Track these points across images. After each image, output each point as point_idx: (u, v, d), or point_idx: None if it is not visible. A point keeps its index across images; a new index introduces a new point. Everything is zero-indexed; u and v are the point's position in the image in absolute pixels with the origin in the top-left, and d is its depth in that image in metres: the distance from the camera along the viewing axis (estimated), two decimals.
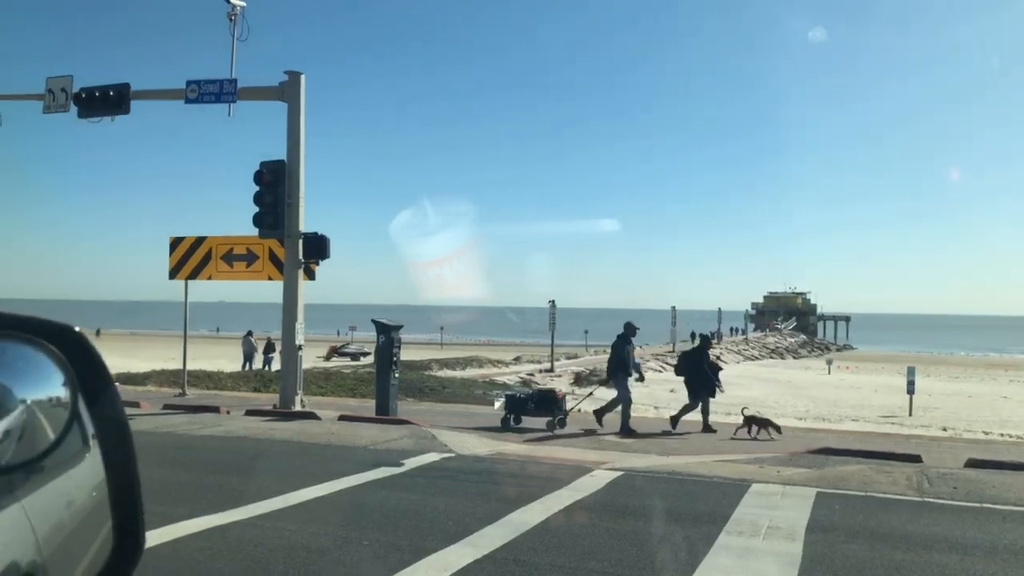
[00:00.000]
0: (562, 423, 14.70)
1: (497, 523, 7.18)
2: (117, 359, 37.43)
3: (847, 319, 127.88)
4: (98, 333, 72.90)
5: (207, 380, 24.23)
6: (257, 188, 15.66)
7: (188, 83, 16.85)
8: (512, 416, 14.75)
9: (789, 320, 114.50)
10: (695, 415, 15.26)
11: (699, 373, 15.20)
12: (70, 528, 1.82)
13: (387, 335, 15.24)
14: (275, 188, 15.59)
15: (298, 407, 15.84)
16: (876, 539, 7.01)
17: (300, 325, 16.13)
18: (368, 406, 17.76)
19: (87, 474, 1.83)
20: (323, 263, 16.43)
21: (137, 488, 1.73)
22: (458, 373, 41.51)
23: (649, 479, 9.54)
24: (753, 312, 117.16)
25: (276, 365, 36.11)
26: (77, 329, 1.68)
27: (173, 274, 19.09)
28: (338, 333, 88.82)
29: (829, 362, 62.40)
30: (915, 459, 11.39)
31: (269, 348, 35.21)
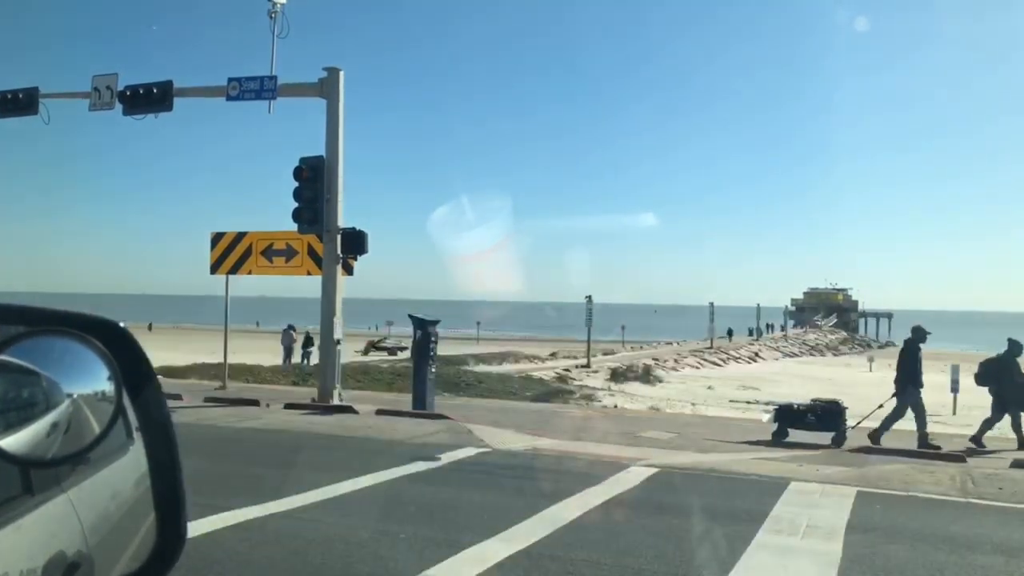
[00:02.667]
0: (843, 439, 12.80)
1: (533, 518, 7.19)
2: (161, 352, 38.08)
3: (889, 316, 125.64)
4: (150, 328, 73.97)
5: (247, 374, 24.56)
6: (296, 184, 15.80)
7: (229, 80, 17.07)
8: (784, 429, 13.10)
9: (829, 317, 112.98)
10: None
11: (1013, 384, 13.52)
12: (115, 519, 1.87)
13: (424, 330, 15.32)
14: (314, 184, 15.72)
15: (336, 401, 15.97)
16: (918, 540, 6.90)
17: (338, 320, 16.26)
18: (405, 400, 17.86)
19: (131, 467, 1.87)
20: (360, 258, 16.54)
21: (179, 480, 1.74)
22: (494, 368, 41.50)
23: (687, 476, 9.49)
24: (793, 309, 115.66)
25: (315, 359, 36.53)
26: (121, 324, 1.70)
27: (214, 269, 19.35)
28: (376, 328, 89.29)
29: (871, 360, 61.36)
30: (959, 459, 11.20)
31: (308, 342, 35.51)
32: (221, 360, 29.81)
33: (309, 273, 18.44)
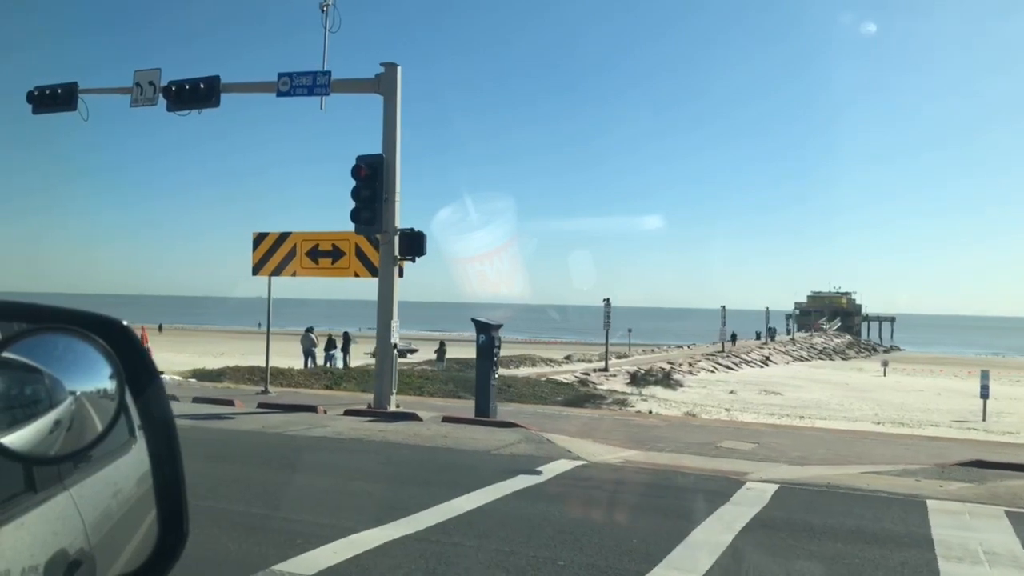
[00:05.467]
0: None
1: (685, 542, 6.69)
2: (167, 354, 37.51)
3: (892, 320, 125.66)
4: (160, 329, 73.25)
5: (280, 377, 24.00)
6: (354, 183, 15.27)
7: (280, 75, 16.57)
8: None
9: (834, 320, 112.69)
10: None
11: None
12: (117, 516, 1.88)
13: (487, 334, 14.81)
14: (372, 183, 15.19)
15: (392, 407, 15.49)
16: None
17: (395, 323, 15.77)
18: (458, 406, 17.42)
19: (133, 464, 1.90)
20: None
21: (181, 478, 1.73)
22: (513, 371, 41.04)
23: (811, 493, 8.97)
24: (797, 312, 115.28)
25: (339, 362, 36.01)
26: (124, 323, 1.70)
27: (256, 270, 18.81)
28: (358, 330, 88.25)
29: (885, 364, 61.06)
30: None
31: (330, 345, 34.98)
32: (239, 363, 29.49)
33: (356, 275, 17.94)
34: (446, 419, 14.06)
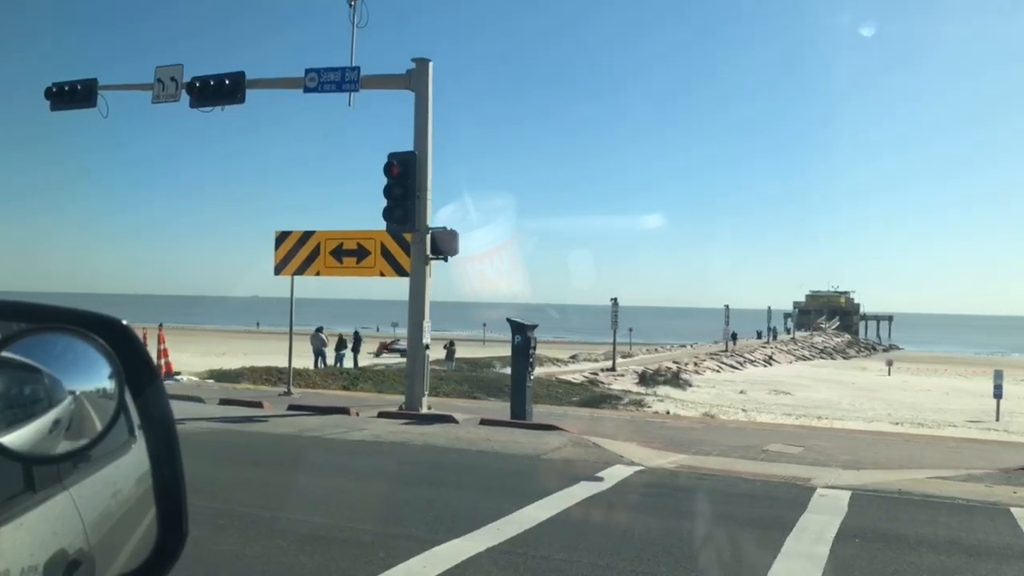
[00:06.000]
0: None
1: (783, 555, 6.41)
2: (173, 354, 37.03)
3: (889, 319, 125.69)
4: (160, 327, 72.49)
5: (297, 378, 23.61)
6: (386, 180, 14.95)
7: (307, 71, 16.25)
8: None
9: (832, 320, 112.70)
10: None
11: None
12: (116, 516, 1.87)
13: (523, 335, 14.52)
14: (405, 180, 14.88)
15: (424, 409, 15.20)
16: None
17: (427, 324, 15.47)
18: (485, 407, 17.16)
19: (132, 464, 1.89)
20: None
21: (181, 478, 1.72)
22: None
23: (888, 500, 8.69)
24: (796, 311, 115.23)
25: (348, 362, 35.71)
26: (123, 322, 1.69)
27: (279, 270, 18.47)
28: (378, 329, 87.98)
29: (889, 363, 60.96)
30: None
31: (341, 345, 34.68)
32: (243, 363, 29.17)
33: (382, 274, 17.62)
34: (483, 422, 13.76)
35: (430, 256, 15.37)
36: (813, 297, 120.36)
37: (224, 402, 15.57)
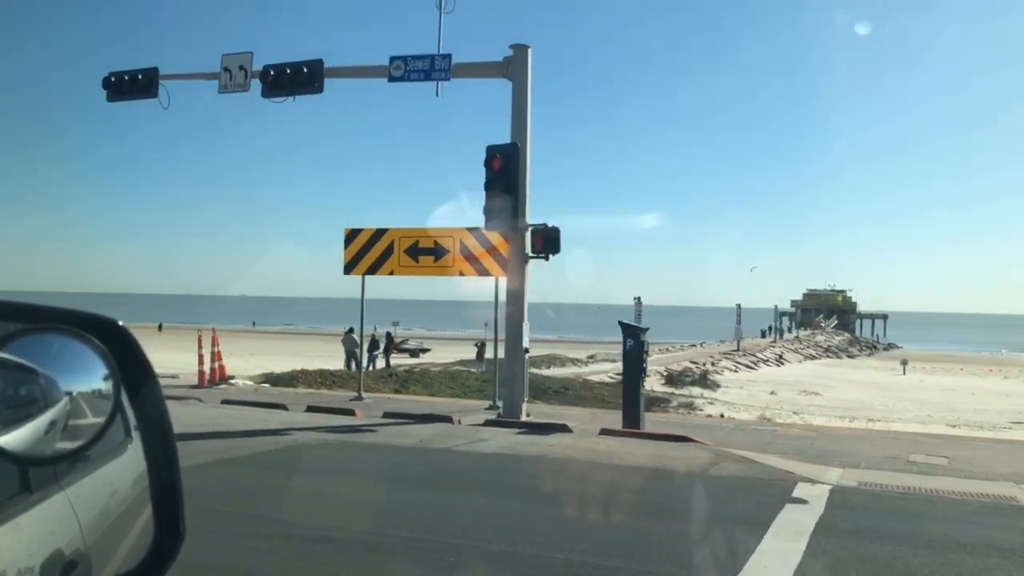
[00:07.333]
0: None
1: None
2: (177, 354, 35.84)
3: (884, 317, 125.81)
4: (160, 328, 71.35)
5: (352, 381, 22.67)
6: (486, 175, 14.08)
7: (392, 59, 15.37)
8: None
9: (831, 318, 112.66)
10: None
11: None
12: (113, 517, 1.87)
13: (636, 338, 13.70)
14: (506, 175, 14.00)
15: (524, 416, 14.37)
16: None
17: (527, 325, 14.63)
18: (554, 412, 16.35)
19: (129, 464, 1.90)
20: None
21: (177, 478, 1.71)
22: (545, 372, 39.89)
23: None
24: (796, 310, 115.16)
25: (380, 363, 34.80)
26: (120, 323, 1.68)
27: (348, 269, 17.64)
28: (376, 328, 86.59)
29: (904, 363, 60.59)
30: None
31: (373, 346, 33.76)
32: (297, 367, 28.13)
33: (462, 273, 16.84)
34: (604, 431, 12.90)
35: (530, 254, 14.51)
36: (810, 296, 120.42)
37: (311, 409, 14.65)
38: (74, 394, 1.50)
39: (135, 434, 1.85)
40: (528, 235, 14.43)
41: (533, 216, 14.68)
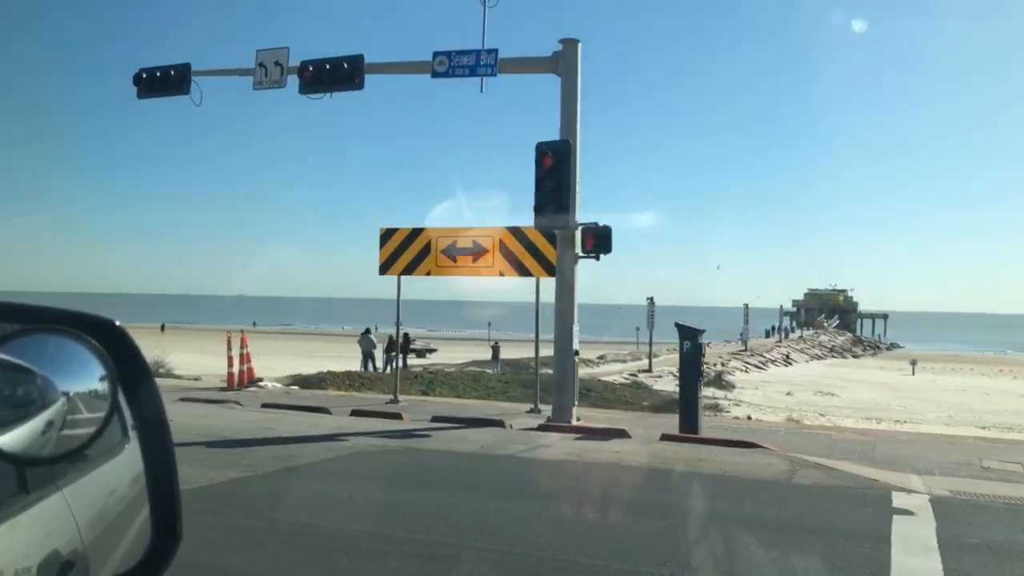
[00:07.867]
0: None
1: None
2: (182, 354, 35.27)
3: (885, 317, 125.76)
4: (163, 328, 70.86)
5: (379, 382, 22.29)
6: (537, 172, 13.68)
7: (435, 54, 14.96)
8: None
9: (832, 318, 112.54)
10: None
11: None
12: (110, 517, 1.86)
13: (693, 341, 13.32)
14: (558, 173, 13.60)
15: (575, 420, 13.99)
16: None
17: (576, 327, 14.25)
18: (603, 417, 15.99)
19: (126, 465, 1.89)
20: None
21: (174, 479, 1.70)
22: None
23: None
24: (794, 310, 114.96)
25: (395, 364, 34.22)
26: (117, 323, 1.68)
27: (384, 269, 17.28)
28: (376, 328, 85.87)
29: (913, 363, 60.33)
30: None
31: (391, 347, 33.28)
32: (311, 369, 27.72)
33: (502, 274, 16.53)
34: (664, 437, 12.51)
35: (580, 254, 14.13)
36: (811, 295, 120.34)
37: (356, 413, 14.25)
38: (71, 394, 1.51)
39: (132, 434, 1.86)
40: (578, 234, 14.04)
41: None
